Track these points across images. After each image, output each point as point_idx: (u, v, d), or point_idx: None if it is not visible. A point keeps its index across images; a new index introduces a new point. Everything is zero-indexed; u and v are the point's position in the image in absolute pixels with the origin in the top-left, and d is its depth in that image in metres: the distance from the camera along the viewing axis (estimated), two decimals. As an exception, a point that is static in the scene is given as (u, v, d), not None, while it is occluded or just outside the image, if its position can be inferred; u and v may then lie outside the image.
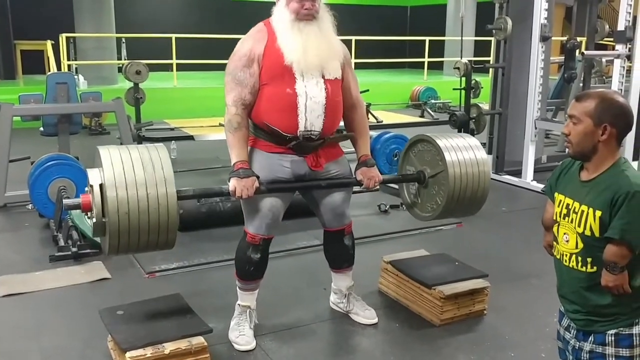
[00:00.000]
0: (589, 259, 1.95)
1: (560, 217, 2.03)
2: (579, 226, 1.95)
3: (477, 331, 3.31)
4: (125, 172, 2.48)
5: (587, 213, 1.92)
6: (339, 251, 3.28)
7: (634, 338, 1.94)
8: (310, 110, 2.83)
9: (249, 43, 2.88)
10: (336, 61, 2.92)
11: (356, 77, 3.14)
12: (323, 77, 2.87)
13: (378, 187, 3.16)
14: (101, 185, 2.48)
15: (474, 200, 3.21)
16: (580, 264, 1.98)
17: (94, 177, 2.52)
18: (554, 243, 2.09)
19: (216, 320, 3.17)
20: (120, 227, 2.45)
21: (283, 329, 3.29)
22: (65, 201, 2.59)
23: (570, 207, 1.99)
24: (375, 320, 3.35)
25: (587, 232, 1.92)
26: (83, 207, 2.56)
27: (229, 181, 2.84)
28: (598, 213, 1.89)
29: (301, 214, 4.05)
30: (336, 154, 3.09)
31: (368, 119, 11.18)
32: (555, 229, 2.06)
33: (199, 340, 2.71)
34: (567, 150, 2.00)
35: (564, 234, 2.01)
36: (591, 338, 1.99)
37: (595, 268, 1.95)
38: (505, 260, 4.27)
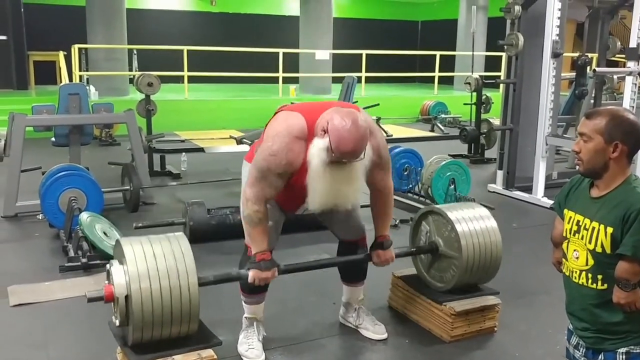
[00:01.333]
0: (599, 276, 1.94)
1: (570, 233, 2.03)
2: (589, 243, 1.94)
3: (487, 348, 3.29)
4: (148, 266, 2.54)
5: (599, 230, 1.91)
6: (352, 263, 3.29)
7: None
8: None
9: (290, 156, 2.73)
10: (353, 198, 2.85)
11: (388, 163, 3.02)
12: None
13: None
14: (126, 282, 2.53)
15: (487, 270, 3.31)
16: (590, 281, 1.97)
17: (118, 273, 2.56)
18: (564, 260, 2.08)
19: (226, 332, 3.16)
20: (144, 321, 2.52)
21: (292, 343, 3.27)
22: (88, 294, 2.61)
23: (580, 223, 1.98)
24: (385, 335, 3.33)
25: (598, 249, 1.92)
26: (106, 299, 2.58)
27: (248, 270, 2.88)
28: (610, 230, 1.89)
29: (312, 227, 4.04)
30: None
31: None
32: (565, 245, 2.06)
33: (209, 352, 2.70)
34: (577, 167, 2.02)
35: (574, 250, 2.01)
36: (601, 357, 1.98)
37: (606, 285, 1.94)
38: (516, 276, 4.24)
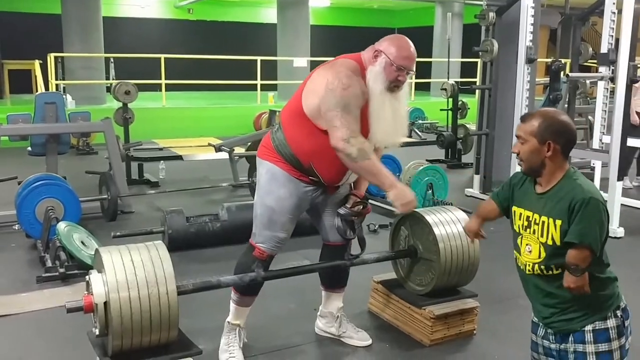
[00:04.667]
0: (552, 266, 2.04)
1: (522, 229, 2.12)
2: (541, 236, 2.04)
3: (467, 351, 3.32)
4: (127, 275, 2.53)
5: (548, 223, 2.02)
6: (336, 267, 3.27)
7: (610, 331, 2.03)
8: (354, 175, 2.97)
9: (362, 85, 2.77)
10: (399, 136, 2.96)
11: None
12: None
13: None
14: (105, 292, 2.51)
15: (465, 273, 3.35)
16: (545, 270, 2.06)
17: (97, 283, 2.54)
18: (517, 254, 2.18)
19: (205, 341, 3.16)
20: (124, 329, 2.50)
21: (273, 350, 3.28)
22: (67, 305, 2.60)
23: (530, 219, 2.09)
24: (369, 342, 3.34)
25: (549, 242, 2.02)
26: (85, 309, 2.57)
27: (255, 269, 2.99)
28: (558, 222, 1.99)
29: (295, 233, 4.06)
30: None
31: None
32: (518, 241, 2.15)
33: (189, 361, 2.70)
34: (520, 167, 2.15)
35: (527, 245, 2.10)
36: (571, 338, 2.05)
37: (559, 270, 2.03)
38: (494, 279, 4.29)
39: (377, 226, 5.48)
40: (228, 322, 3.17)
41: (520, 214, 2.14)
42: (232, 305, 3.16)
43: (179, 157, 8.29)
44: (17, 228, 5.22)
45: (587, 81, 8.29)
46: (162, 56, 11.95)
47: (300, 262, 4.39)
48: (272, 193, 2.95)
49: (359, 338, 3.35)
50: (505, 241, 5.26)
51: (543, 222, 2.03)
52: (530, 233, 2.09)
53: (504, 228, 6.00)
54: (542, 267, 2.05)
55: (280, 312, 3.76)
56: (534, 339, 2.21)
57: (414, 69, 2.87)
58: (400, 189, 2.83)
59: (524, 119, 2.12)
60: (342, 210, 3.06)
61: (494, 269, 4.45)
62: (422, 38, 17.95)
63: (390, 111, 2.81)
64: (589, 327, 2.03)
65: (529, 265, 2.10)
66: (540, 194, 2.08)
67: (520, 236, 2.13)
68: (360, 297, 3.80)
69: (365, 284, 3.78)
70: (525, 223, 2.11)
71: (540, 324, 2.16)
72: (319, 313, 3.46)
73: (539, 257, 2.05)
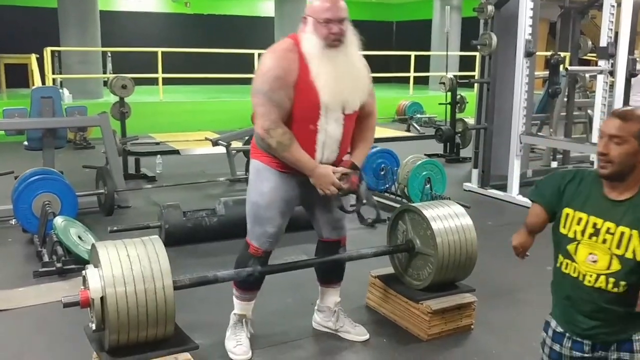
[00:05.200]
0: (622, 282, 1.88)
1: (583, 235, 1.94)
2: (618, 248, 1.87)
3: (465, 346, 3.31)
4: (123, 270, 2.51)
5: (631, 235, 1.85)
6: (332, 263, 3.27)
7: None
8: (327, 146, 2.86)
9: (284, 64, 2.73)
10: (361, 93, 2.88)
11: (374, 94, 3.07)
12: (344, 112, 2.84)
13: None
14: (102, 287, 2.50)
15: (463, 267, 3.34)
16: (611, 285, 1.89)
17: (94, 277, 2.53)
18: (566, 260, 2.00)
19: (202, 336, 3.14)
20: (120, 324, 2.49)
21: (271, 344, 3.27)
22: (64, 300, 2.58)
23: (599, 227, 1.91)
24: (367, 336, 3.34)
25: (629, 255, 1.86)
26: (82, 304, 2.55)
27: (252, 266, 2.98)
28: None
29: (290, 228, 4.04)
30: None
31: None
32: (572, 247, 1.97)
33: (186, 356, 2.68)
34: (601, 169, 1.90)
35: (590, 254, 1.92)
36: (614, 347, 1.94)
37: (626, 289, 1.88)
38: (491, 274, 4.28)
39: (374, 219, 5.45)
40: (234, 314, 3.20)
41: (580, 218, 1.95)
42: (235, 300, 3.19)
43: (176, 152, 8.29)
44: (13, 223, 5.19)
45: (587, 75, 8.28)
46: (159, 50, 11.89)
47: (299, 257, 4.39)
48: (257, 188, 2.97)
49: (356, 333, 3.34)
50: (502, 236, 5.24)
51: (622, 233, 1.86)
52: (598, 242, 1.91)
53: (502, 221, 6.02)
54: (611, 280, 1.89)
55: (278, 307, 3.74)
56: (557, 348, 2.06)
57: (344, 16, 2.76)
58: (317, 173, 2.81)
59: (623, 116, 1.87)
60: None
61: (492, 263, 4.45)
62: (421, 31, 17.97)
63: (331, 67, 2.74)
64: (637, 337, 1.92)
65: (591, 275, 1.92)
66: (618, 201, 1.90)
67: (577, 242, 1.95)
68: (358, 291, 3.79)
69: (362, 279, 3.77)
70: (591, 230, 1.92)
71: (567, 334, 2.03)
72: (316, 307, 3.46)
73: (608, 268, 1.89)
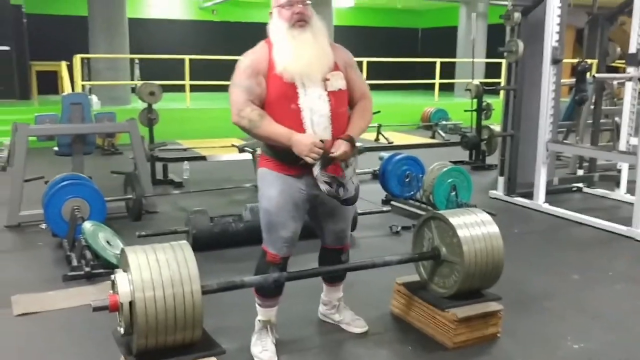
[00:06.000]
0: None
1: None
2: None
3: (490, 355, 3.29)
4: (152, 274, 2.55)
5: None
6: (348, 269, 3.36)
7: None
8: (317, 123, 2.86)
9: (252, 56, 2.92)
10: (330, 68, 2.91)
11: (362, 75, 3.16)
12: (326, 89, 2.88)
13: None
14: (131, 291, 2.54)
15: (489, 275, 3.33)
16: None
17: (123, 282, 2.58)
18: None
19: (229, 341, 3.16)
20: (148, 328, 2.53)
21: (296, 350, 3.28)
22: (93, 304, 2.62)
23: None
24: (366, 328, 3.44)
25: None
26: (111, 308, 2.59)
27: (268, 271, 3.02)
28: None
29: (312, 235, 4.07)
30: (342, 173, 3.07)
31: (378, 139, 11.26)
32: None
33: (212, 360, 2.72)
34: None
35: None
36: None
37: None
38: (517, 282, 4.25)
39: (399, 227, 5.46)
40: (258, 320, 3.25)
41: None
42: (257, 307, 3.23)
43: (203, 158, 8.34)
44: (44, 227, 5.29)
45: (615, 82, 8.18)
46: (187, 57, 12.04)
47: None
48: (265, 195, 3.02)
49: (356, 325, 3.45)
50: (528, 244, 5.26)
51: None
52: None
53: (528, 229, 5.98)
54: None
55: (302, 311, 3.74)
56: None
57: None
58: (295, 140, 2.79)
59: None
60: (315, 171, 2.84)
61: (518, 271, 4.42)
62: (447, 38, 17.91)
63: (294, 42, 2.84)
64: None
65: None
66: None
67: None
68: (383, 298, 3.79)
69: (387, 286, 3.77)
70: None
71: None
72: (321, 300, 3.58)
73: None
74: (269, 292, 3.14)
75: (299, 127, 2.84)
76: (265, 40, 2.97)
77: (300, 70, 2.83)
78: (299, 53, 2.83)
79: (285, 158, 2.91)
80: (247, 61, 2.90)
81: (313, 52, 2.86)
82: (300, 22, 2.85)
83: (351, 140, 2.91)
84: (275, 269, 3.05)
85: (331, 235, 3.23)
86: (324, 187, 2.85)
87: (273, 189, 2.97)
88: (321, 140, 2.82)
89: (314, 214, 3.17)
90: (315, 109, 2.85)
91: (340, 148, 2.85)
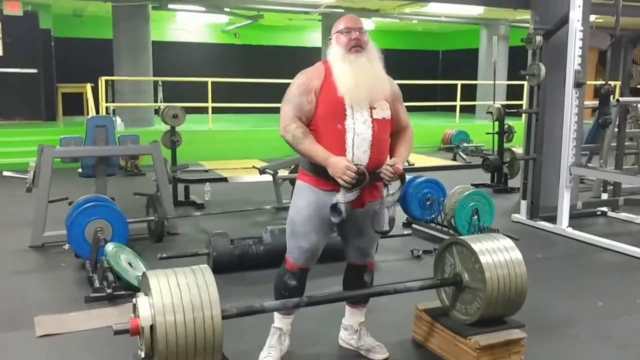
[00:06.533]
0: None
1: None
2: None
3: (513, 383, 3.24)
4: (173, 298, 2.57)
5: None
6: (357, 287, 3.35)
7: None
8: (357, 146, 2.96)
9: (308, 75, 3.06)
10: (383, 100, 3.05)
11: (405, 108, 3.27)
12: (371, 116, 2.99)
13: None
14: (152, 315, 2.56)
15: (512, 302, 3.28)
16: None
17: (144, 306, 2.60)
18: None
19: (248, 365, 3.17)
20: (169, 353, 2.54)
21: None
22: (114, 327, 2.65)
23: None
24: (386, 354, 3.41)
25: None
26: (132, 332, 2.62)
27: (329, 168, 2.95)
28: None
29: (333, 258, 4.06)
30: (379, 196, 3.11)
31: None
32: None
33: (232, 386, 2.71)
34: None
35: None
36: None
37: None
38: (541, 309, 4.19)
39: (420, 252, 5.42)
40: (273, 326, 3.34)
41: None
42: (275, 313, 3.30)
43: (224, 179, 8.40)
44: (67, 248, 5.35)
45: (639, 105, 8.10)
46: (209, 80, 12.17)
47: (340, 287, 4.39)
48: (294, 205, 3.16)
49: (377, 352, 3.42)
50: (552, 269, 5.19)
51: None
52: None
53: (552, 254, 5.90)
54: None
55: (319, 335, 3.73)
56: None
57: (361, 25, 3.07)
58: (330, 162, 2.90)
59: None
60: (335, 199, 2.95)
61: (541, 297, 4.36)
62: (468, 60, 17.90)
63: (351, 67, 2.97)
64: None
65: None
66: None
67: None
68: (404, 324, 3.75)
69: (408, 312, 3.74)
70: None
71: None
72: (342, 325, 3.56)
73: None
74: (285, 299, 3.21)
75: (341, 147, 2.96)
76: (322, 62, 3.11)
77: (357, 95, 2.96)
78: (358, 78, 2.96)
79: (320, 173, 3.02)
80: (303, 78, 3.04)
81: (372, 78, 3.01)
82: (356, 47, 3.01)
83: (397, 164, 3.00)
84: (292, 277, 3.18)
85: (355, 251, 3.28)
86: (331, 213, 2.97)
87: (303, 200, 3.10)
88: (356, 165, 2.93)
89: (341, 229, 3.23)
90: (358, 132, 2.96)
91: (388, 171, 2.97)
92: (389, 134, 3.12)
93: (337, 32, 3.07)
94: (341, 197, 2.93)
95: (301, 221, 3.09)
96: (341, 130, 2.95)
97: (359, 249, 3.27)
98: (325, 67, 3.05)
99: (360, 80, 2.95)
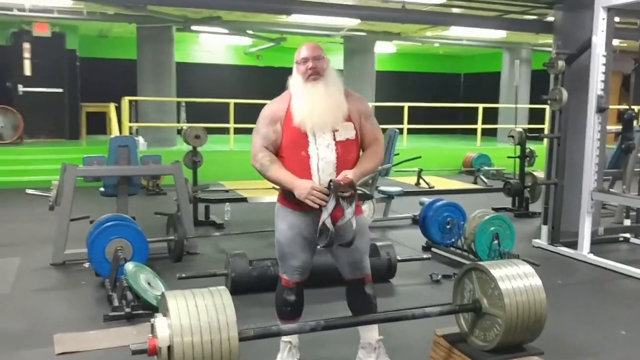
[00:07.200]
0: None
1: None
2: None
3: (532, 411, 3.19)
4: (190, 319, 2.60)
5: None
6: (361, 301, 3.37)
7: None
8: (322, 170, 3.10)
9: (273, 106, 3.24)
10: (342, 119, 3.13)
11: (376, 122, 3.33)
12: (334, 139, 3.11)
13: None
14: (170, 336, 2.58)
15: (531, 329, 3.25)
16: None
17: (162, 326, 2.62)
18: None
19: (264, 388, 3.16)
20: None
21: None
22: (132, 347, 2.68)
23: None
24: None
25: None
26: (149, 352, 2.64)
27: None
28: None
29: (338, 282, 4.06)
30: (357, 212, 3.16)
31: (419, 184, 11.22)
32: None
33: (247, 408, 2.70)
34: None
35: None
36: None
37: None
38: (560, 336, 4.13)
39: (439, 276, 5.38)
40: (282, 340, 3.43)
41: None
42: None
43: (244, 199, 8.44)
44: (87, 266, 5.40)
45: (662, 130, 8.01)
46: (232, 101, 12.29)
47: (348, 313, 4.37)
48: (277, 227, 3.32)
49: None
50: (572, 295, 5.12)
51: None
52: None
53: (572, 281, 5.83)
54: None
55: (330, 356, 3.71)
56: None
57: (319, 54, 3.17)
58: (297, 185, 3.05)
59: None
60: (322, 216, 3.05)
61: (561, 324, 4.30)
62: (489, 84, 17.87)
63: (308, 96, 3.10)
64: None
65: None
66: None
67: None
68: (422, 349, 3.72)
69: (426, 337, 3.70)
70: None
71: None
72: (359, 345, 3.53)
73: None
74: (287, 314, 3.37)
75: (307, 172, 3.10)
76: (287, 91, 3.26)
77: (313, 123, 3.08)
78: (313, 107, 3.09)
79: (287, 193, 3.18)
80: (267, 111, 3.22)
81: (326, 104, 3.11)
82: (313, 75, 3.14)
83: (350, 181, 3.02)
84: (290, 292, 3.34)
85: (347, 266, 3.34)
86: (318, 239, 3.09)
87: (284, 223, 3.26)
88: (330, 181, 3.02)
89: (329, 248, 3.26)
90: (322, 156, 3.10)
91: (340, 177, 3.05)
92: (357, 152, 3.22)
93: (296, 62, 3.20)
94: (324, 216, 3.02)
95: (287, 242, 3.26)
96: (305, 156, 3.09)
97: (351, 264, 3.32)
98: (288, 97, 3.20)
99: (316, 107, 3.08)
